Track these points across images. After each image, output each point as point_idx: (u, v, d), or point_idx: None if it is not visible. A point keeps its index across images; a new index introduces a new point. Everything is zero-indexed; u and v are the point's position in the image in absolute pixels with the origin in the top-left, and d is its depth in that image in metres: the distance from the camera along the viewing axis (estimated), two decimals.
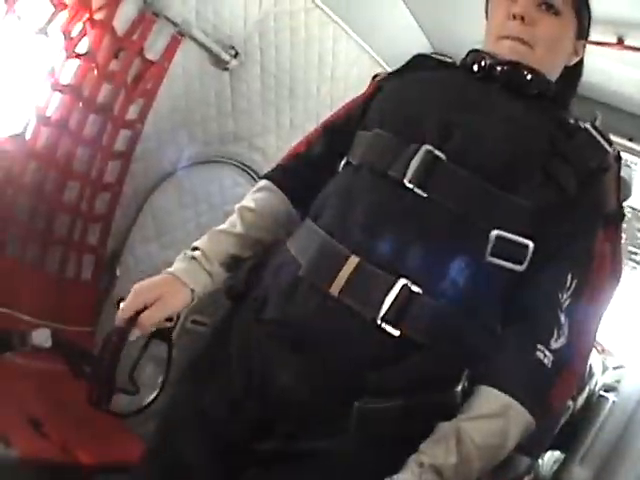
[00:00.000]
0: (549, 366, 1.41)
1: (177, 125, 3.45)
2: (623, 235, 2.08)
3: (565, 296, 1.46)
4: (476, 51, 1.75)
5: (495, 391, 1.39)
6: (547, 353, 1.41)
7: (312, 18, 3.52)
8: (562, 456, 3.29)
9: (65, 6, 2.77)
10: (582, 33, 1.76)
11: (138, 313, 1.59)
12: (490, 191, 1.46)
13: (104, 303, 3.36)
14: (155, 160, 3.44)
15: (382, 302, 1.41)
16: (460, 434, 1.33)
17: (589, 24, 1.78)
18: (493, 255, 1.44)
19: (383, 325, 1.41)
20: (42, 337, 2.83)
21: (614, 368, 3.90)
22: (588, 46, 2.08)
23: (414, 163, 1.48)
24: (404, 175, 1.48)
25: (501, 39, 1.68)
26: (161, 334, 1.69)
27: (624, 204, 1.72)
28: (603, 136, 1.61)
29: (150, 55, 3.14)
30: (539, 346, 1.42)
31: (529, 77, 1.64)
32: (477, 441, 1.34)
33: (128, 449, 2.46)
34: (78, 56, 2.93)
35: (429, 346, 1.43)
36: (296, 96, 3.77)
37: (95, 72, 3.00)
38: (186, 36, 3.19)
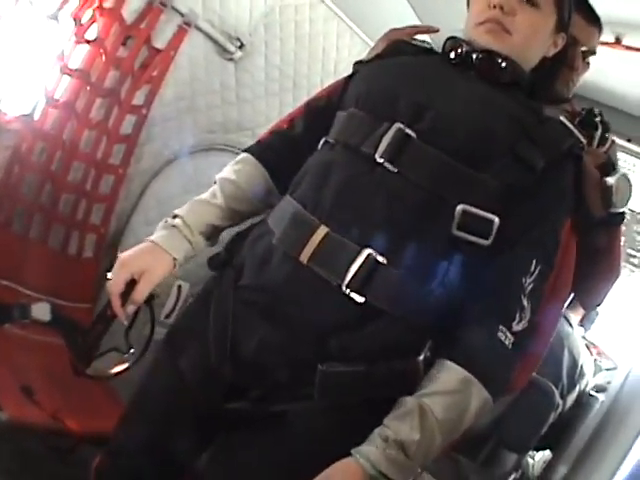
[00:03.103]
0: (509, 347, 1.46)
1: (182, 112, 3.54)
2: (622, 238, 2.15)
3: (529, 281, 1.51)
4: (453, 38, 1.78)
5: (456, 367, 1.43)
6: (508, 335, 1.46)
7: (317, 13, 3.63)
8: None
9: None
10: (562, 26, 1.78)
11: (128, 285, 1.69)
12: (457, 168, 1.51)
13: (104, 282, 3.42)
14: (160, 145, 3.53)
15: (347, 270, 1.46)
16: (423, 410, 1.38)
17: (569, 17, 1.81)
18: (459, 229, 1.49)
19: (348, 292, 1.47)
20: (42, 311, 2.93)
21: (607, 369, 3.95)
22: None
23: (385, 140, 1.53)
24: (376, 151, 1.53)
25: (479, 25, 1.71)
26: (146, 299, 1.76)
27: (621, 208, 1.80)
28: (577, 127, 1.67)
29: (157, 44, 3.24)
30: (501, 327, 1.46)
31: (503, 65, 1.68)
32: (439, 416, 1.38)
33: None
34: (87, 42, 3.03)
35: (392, 314, 1.49)
36: (299, 88, 3.86)
37: (103, 58, 3.10)
38: (192, 26, 3.29)
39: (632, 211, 4.48)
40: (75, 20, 2.93)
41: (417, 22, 3.62)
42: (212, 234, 1.81)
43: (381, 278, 1.47)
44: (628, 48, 2.95)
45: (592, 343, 4.12)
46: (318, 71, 3.86)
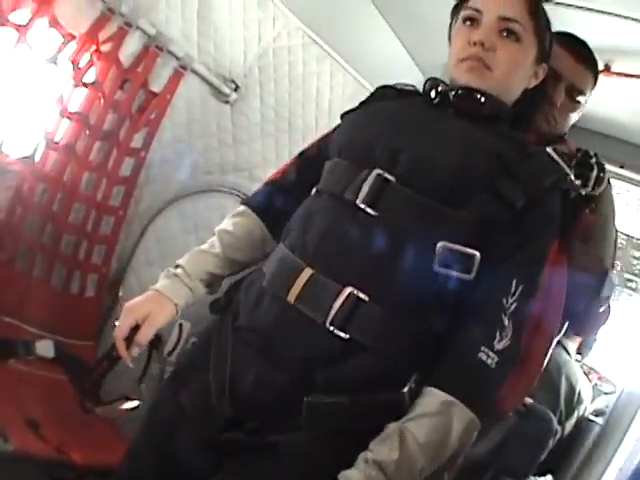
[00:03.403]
0: (493, 366, 1.51)
1: (180, 154, 3.60)
2: (618, 262, 2.21)
3: (510, 300, 1.55)
4: (433, 79, 1.84)
5: (437, 391, 1.49)
6: (491, 354, 1.51)
7: (310, 53, 3.71)
8: None
9: (73, 37, 2.95)
10: (543, 57, 1.83)
11: (132, 330, 1.79)
12: (435, 208, 1.56)
13: (107, 320, 3.47)
14: (159, 187, 3.59)
15: (330, 307, 1.54)
16: (403, 432, 1.44)
17: (551, 47, 1.85)
18: (440, 265, 1.54)
19: (332, 328, 1.54)
20: (46, 348, 3.00)
21: (605, 393, 3.96)
22: None
23: (366, 185, 1.60)
24: (357, 197, 1.60)
25: (460, 62, 1.74)
26: (152, 342, 1.87)
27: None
28: (564, 161, 1.71)
29: (154, 87, 3.32)
30: (482, 347, 1.51)
31: (482, 100, 1.72)
32: (420, 439, 1.44)
33: (122, 453, 2.56)
34: (85, 85, 3.10)
35: (375, 349, 1.55)
36: (295, 129, 3.94)
37: (102, 101, 3.17)
38: (188, 69, 3.37)
39: (629, 236, 4.48)
40: (73, 64, 3.00)
41: (409, 60, 3.71)
42: (211, 282, 1.92)
43: (364, 314, 1.54)
44: (618, 74, 3.00)
45: (592, 369, 4.12)
46: (312, 110, 3.93)
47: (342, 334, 1.54)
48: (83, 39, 2.99)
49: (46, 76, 2.97)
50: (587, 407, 3.54)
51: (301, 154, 2.04)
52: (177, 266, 1.90)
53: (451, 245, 1.54)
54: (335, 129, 1.95)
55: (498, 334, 1.52)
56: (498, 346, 1.51)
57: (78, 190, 3.25)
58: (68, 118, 3.11)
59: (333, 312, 1.53)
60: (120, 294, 3.50)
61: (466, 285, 1.56)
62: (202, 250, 1.93)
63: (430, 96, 1.81)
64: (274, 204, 1.95)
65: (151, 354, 1.90)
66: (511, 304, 1.54)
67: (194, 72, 3.42)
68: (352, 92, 3.96)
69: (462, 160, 1.61)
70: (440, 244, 1.54)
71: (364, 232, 1.58)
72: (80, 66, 3.03)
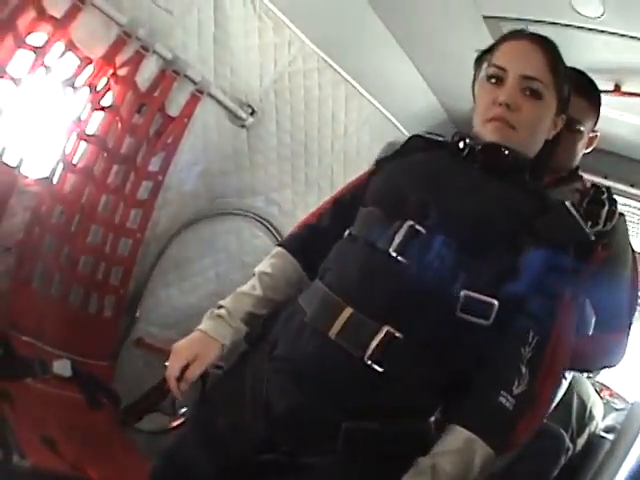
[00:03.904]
0: (511, 409, 1.62)
1: (197, 178, 3.66)
2: None
3: (527, 350, 1.67)
4: (458, 133, 1.94)
5: (462, 429, 1.61)
6: (509, 398, 1.62)
7: (325, 77, 3.76)
8: None
9: (90, 61, 3.01)
10: (562, 108, 1.92)
11: (182, 369, 1.88)
12: (459, 258, 1.66)
13: (124, 341, 3.51)
14: (176, 209, 3.63)
15: (369, 344, 1.64)
16: (435, 467, 1.55)
17: (569, 97, 1.94)
18: (462, 311, 1.65)
19: (369, 362, 1.64)
20: (63, 367, 3.03)
21: (617, 409, 3.95)
22: None
23: (398, 236, 1.71)
24: (390, 246, 1.70)
25: (487, 122, 1.84)
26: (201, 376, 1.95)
27: None
28: (581, 215, 1.80)
29: (171, 111, 3.37)
30: (502, 392, 1.63)
31: (506, 153, 1.81)
32: (449, 472, 1.55)
33: (137, 471, 2.59)
34: (103, 109, 3.16)
35: (406, 381, 1.67)
36: (311, 152, 3.99)
37: (119, 125, 3.23)
38: (205, 93, 3.43)
39: None
40: (90, 87, 3.07)
41: (423, 84, 3.75)
42: (252, 320, 1.98)
43: (397, 351, 1.65)
44: (628, 94, 3.01)
45: (603, 385, 4.12)
46: (328, 134, 3.98)
47: (378, 367, 1.64)
48: (100, 63, 3.05)
49: (64, 99, 3.02)
50: (598, 424, 3.52)
51: (335, 200, 2.12)
52: (220, 306, 1.97)
53: (472, 294, 1.66)
54: (368, 177, 2.04)
55: (516, 381, 1.65)
56: (516, 391, 1.64)
57: (96, 212, 3.29)
58: (86, 141, 3.17)
59: (371, 348, 1.64)
60: (137, 315, 3.54)
61: (485, 330, 1.67)
62: (244, 292, 2.00)
63: (459, 148, 1.91)
64: (310, 246, 2.04)
65: (205, 385, 1.98)
66: (528, 353, 1.67)
67: (211, 96, 3.47)
68: (367, 115, 4.01)
69: (485, 217, 1.72)
70: (463, 292, 1.65)
71: (397, 277, 1.69)
72: (97, 89, 3.10)
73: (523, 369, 1.65)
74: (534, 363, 1.67)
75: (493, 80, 1.86)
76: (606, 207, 2.24)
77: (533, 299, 1.70)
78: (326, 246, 1.92)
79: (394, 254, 1.69)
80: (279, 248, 2.10)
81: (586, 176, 2.45)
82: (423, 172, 1.88)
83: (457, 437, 1.60)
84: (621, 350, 2.46)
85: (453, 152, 1.91)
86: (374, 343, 1.63)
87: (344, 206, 2.04)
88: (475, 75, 2.00)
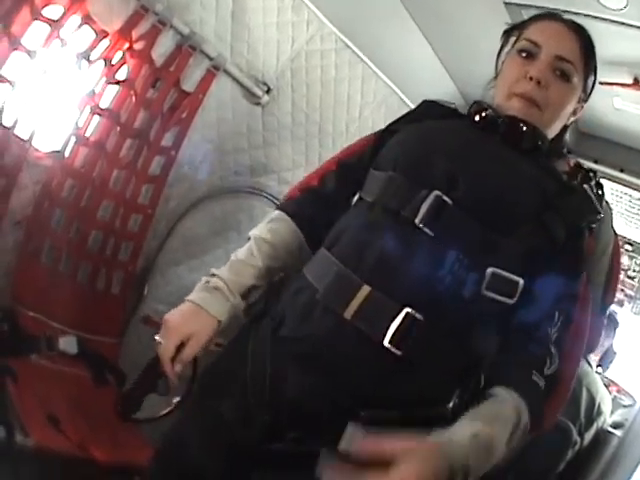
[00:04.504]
0: (542, 388, 1.57)
1: (209, 154, 3.63)
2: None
3: (553, 330, 1.62)
4: (478, 102, 1.88)
5: (508, 397, 1.54)
6: (541, 378, 1.58)
7: (342, 58, 3.72)
8: None
9: (106, 34, 2.98)
10: (585, 97, 1.90)
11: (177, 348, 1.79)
12: (488, 234, 1.62)
13: (131, 318, 3.50)
14: (187, 186, 3.61)
15: (388, 327, 1.55)
16: (478, 438, 1.43)
17: (592, 88, 1.91)
18: (488, 289, 1.60)
19: (388, 346, 1.56)
20: (69, 344, 3.01)
21: (625, 406, 3.95)
22: (604, 87, 2.20)
23: (425, 206, 1.62)
24: (415, 216, 1.62)
25: (514, 96, 1.80)
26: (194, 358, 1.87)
27: None
28: (598, 197, 1.78)
29: (186, 86, 3.34)
30: (534, 372, 1.57)
31: (525, 129, 1.78)
32: (495, 440, 1.46)
33: (141, 453, 2.56)
34: (117, 82, 3.14)
35: (425, 366, 1.59)
36: (325, 133, 3.96)
37: (133, 99, 3.20)
38: (221, 70, 3.39)
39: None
40: (106, 60, 3.03)
41: (440, 67, 3.71)
42: (250, 294, 1.88)
43: (418, 334, 1.57)
44: None
45: (612, 381, 4.13)
46: (343, 116, 3.94)
47: (397, 351, 1.56)
48: (116, 36, 3.01)
49: (78, 72, 2.99)
50: (606, 419, 3.54)
51: (339, 161, 2.01)
52: (213, 275, 1.84)
53: (499, 271, 1.61)
54: (380, 139, 1.95)
55: (548, 362, 1.60)
56: (547, 372, 1.60)
57: (107, 187, 3.27)
58: (99, 115, 3.14)
59: (391, 331, 1.56)
60: (145, 292, 3.53)
61: (508, 310, 1.63)
62: (241, 261, 1.86)
63: (474, 119, 1.86)
64: (312, 212, 1.93)
65: (196, 368, 1.92)
66: (554, 333, 1.63)
67: (226, 73, 3.44)
68: (383, 98, 3.98)
69: (512, 191, 1.68)
70: (489, 270, 1.60)
71: (422, 252, 1.61)
72: (112, 63, 3.06)
73: (553, 349, 1.61)
74: (559, 344, 1.63)
75: (524, 54, 1.82)
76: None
77: (557, 279, 1.66)
78: (330, 212, 1.83)
79: (420, 225, 1.61)
80: (278, 212, 1.96)
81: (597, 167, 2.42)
82: (447, 138, 1.80)
83: (504, 403, 1.53)
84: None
85: (471, 122, 1.86)
86: (394, 325, 1.56)
87: (350, 169, 1.93)
88: (502, 47, 1.97)
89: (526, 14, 2.67)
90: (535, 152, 1.80)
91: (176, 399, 1.95)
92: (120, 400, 1.88)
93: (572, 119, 1.91)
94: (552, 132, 1.87)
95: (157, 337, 1.80)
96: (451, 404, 1.58)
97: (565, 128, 1.93)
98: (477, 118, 1.85)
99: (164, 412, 1.96)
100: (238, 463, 1.71)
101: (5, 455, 2.35)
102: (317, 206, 1.92)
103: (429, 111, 1.97)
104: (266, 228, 1.92)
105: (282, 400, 1.64)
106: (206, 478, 1.75)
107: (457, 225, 1.62)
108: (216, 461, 1.73)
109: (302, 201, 1.96)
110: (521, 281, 1.61)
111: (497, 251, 1.62)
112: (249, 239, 1.91)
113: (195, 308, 1.80)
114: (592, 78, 1.89)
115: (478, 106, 1.86)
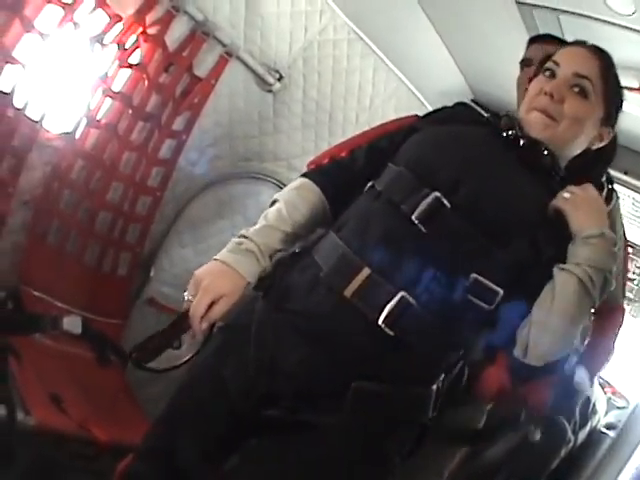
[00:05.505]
0: None
1: (220, 140, 3.67)
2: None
3: None
4: (509, 116, 1.92)
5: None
6: None
7: (354, 48, 3.73)
8: None
9: (120, 18, 3.01)
10: (609, 120, 1.91)
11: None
12: (477, 241, 1.70)
13: (137, 300, 3.55)
14: (197, 171, 3.64)
15: (383, 307, 1.65)
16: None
17: (618, 112, 1.94)
18: (468, 292, 1.68)
19: (382, 325, 1.65)
20: (73, 324, 3.03)
21: (618, 408, 3.97)
22: None
23: (423, 204, 1.70)
24: (413, 212, 1.70)
25: (531, 110, 1.85)
26: None
27: None
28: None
29: (198, 72, 3.37)
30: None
31: (545, 153, 1.82)
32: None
33: (142, 433, 2.59)
34: (130, 66, 3.18)
35: (415, 347, 1.70)
36: (335, 122, 3.97)
37: (145, 83, 3.23)
38: (233, 57, 3.42)
39: None
40: (119, 44, 3.07)
41: (451, 61, 3.72)
42: (274, 256, 1.93)
43: (411, 317, 1.67)
44: None
45: (607, 382, 4.15)
46: (354, 106, 3.96)
47: (389, 331, 1.65)
48: (130, 21, 3.04)
49: (91, 55, 3.02)
50: (600, 418, 3.56)
51: (372, 142, 2.05)
52: (244, 236, 1.85)
53: (481, 279, 1.68)
54: (408, 131, 1.99)
55: None
56: None
57: (117, 169, 3.32)
58: (111, 97, 3.18)
59: (386, 312, 1.65)
60: (151, 274, 3.57)
61: (487, 313, 1.71)
62: (272, 226, 1.88)
63: (501, 133, 1.89)
64: (339, 184, 1.97)
65: (212, 328, 1.89)
66: None
67: (239, 60, 3.47)
68: (393, 89, 3.98)
69: (512, 206, 1.75)
70: (472, 275, 1.68)
71: (415, 244, 1.70)
72: (126, 47, 3.10)
73: None
74: None
75: (547, 73, 1.87)
76: (605, 188, 2.25)
77: (536, 286, 1.73)
78: (354, 188, 1.89)
79: (415, 221, 1.69)
80: (305, 179, 1.99)
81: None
82: (461, 146, 1.87)
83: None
84: None
85: (495, 133, 1.90)
86: (389, 307, 1.65)
87: (381, 151, 1.98)
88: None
89: (537, 15, 2.70)
90: (550, 174, 1.85)
91: (187, 356, 1.97)
92: (138, 347, 1.90)
93: (598, 144, 1.92)
94: (571, 150, 1.90)
95: (186, 294, 1.83)
96: (434, 387, 1.76)
97: (591, 153, 1.94)
98: (504, 134, 1.88)
99: (177, 363, 1.97)
100: (236, 429, 1.82)
101: (6, 433, 2.39)
102: (343, 179, 1.98)
103: (457, 115, 2.04)
104: (294, 194, 1.95)
105: (279, 370, 1.73)
106: (207, 443, 1.85)
107: (449, 227, 1.70)
108: (216, 426, 1.84)
109: (330, 172, 2.02)
110: (500, 291, 1.68)
111: (484, 260, 1.69)
112: (274, 202, 1.94)
113: (227, 269, 1.81)
114: (615, 101, 1.92)
115: (509, 120, 1.90)
